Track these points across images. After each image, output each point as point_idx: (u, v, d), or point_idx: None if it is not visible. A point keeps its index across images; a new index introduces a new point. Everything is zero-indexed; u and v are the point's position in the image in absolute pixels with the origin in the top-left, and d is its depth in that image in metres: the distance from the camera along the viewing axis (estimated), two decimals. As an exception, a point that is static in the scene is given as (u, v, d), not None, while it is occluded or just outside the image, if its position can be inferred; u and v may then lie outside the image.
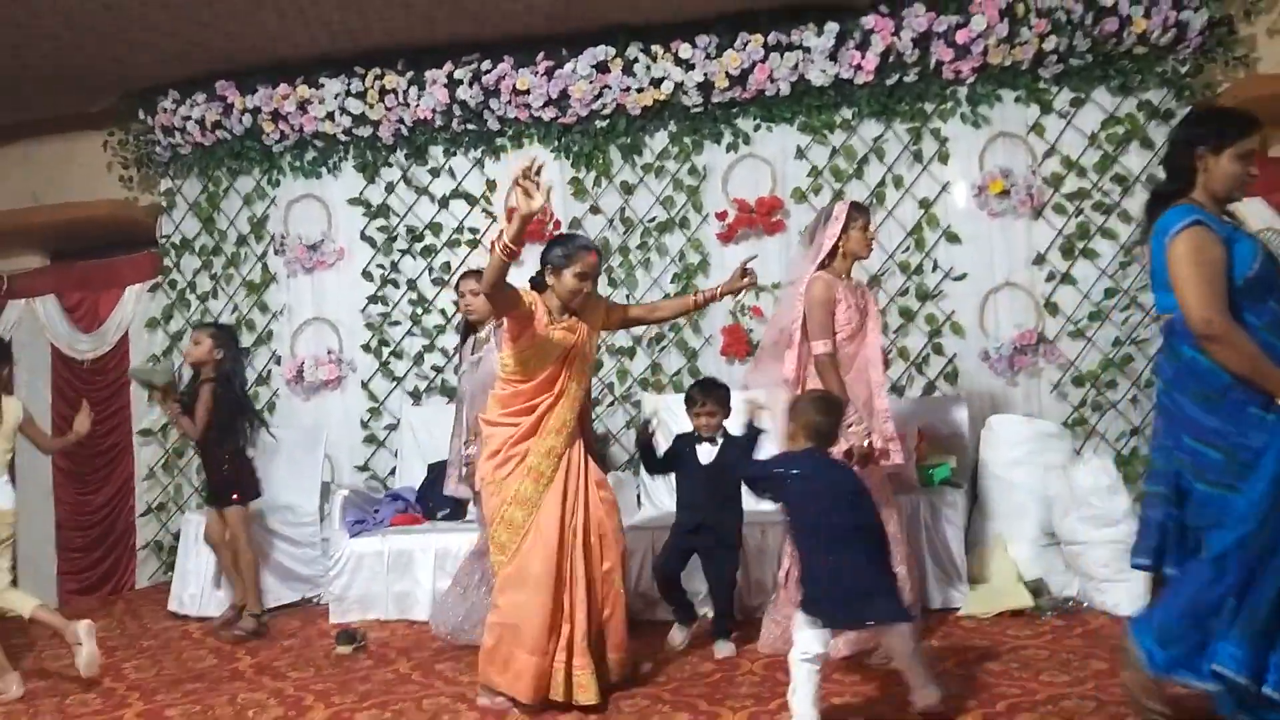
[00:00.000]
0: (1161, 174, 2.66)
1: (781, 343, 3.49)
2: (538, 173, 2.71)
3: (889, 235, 4.85)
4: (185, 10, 4.58)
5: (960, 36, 4.55)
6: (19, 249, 6.16)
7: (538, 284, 3.17)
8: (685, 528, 3.62)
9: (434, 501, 4.75)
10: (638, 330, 5.05)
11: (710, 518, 3.56)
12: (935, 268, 4.82)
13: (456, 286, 3.99)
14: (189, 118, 5.40)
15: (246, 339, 5.49)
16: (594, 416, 4.84)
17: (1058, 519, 3.97)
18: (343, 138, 5.34)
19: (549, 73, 4.98)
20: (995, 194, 4.68)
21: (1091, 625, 3.62)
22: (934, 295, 4.82)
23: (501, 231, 2.79)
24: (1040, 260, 4.72)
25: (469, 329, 3.97)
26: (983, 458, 4.35)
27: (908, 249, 4.84)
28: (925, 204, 4.82)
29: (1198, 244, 2.29)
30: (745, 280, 3.45)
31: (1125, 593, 3.73)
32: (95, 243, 5.99)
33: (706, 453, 3.59)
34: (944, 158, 4.81)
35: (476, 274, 3.94)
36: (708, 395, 3.61)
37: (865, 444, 3.22)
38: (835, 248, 3.40)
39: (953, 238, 4.80)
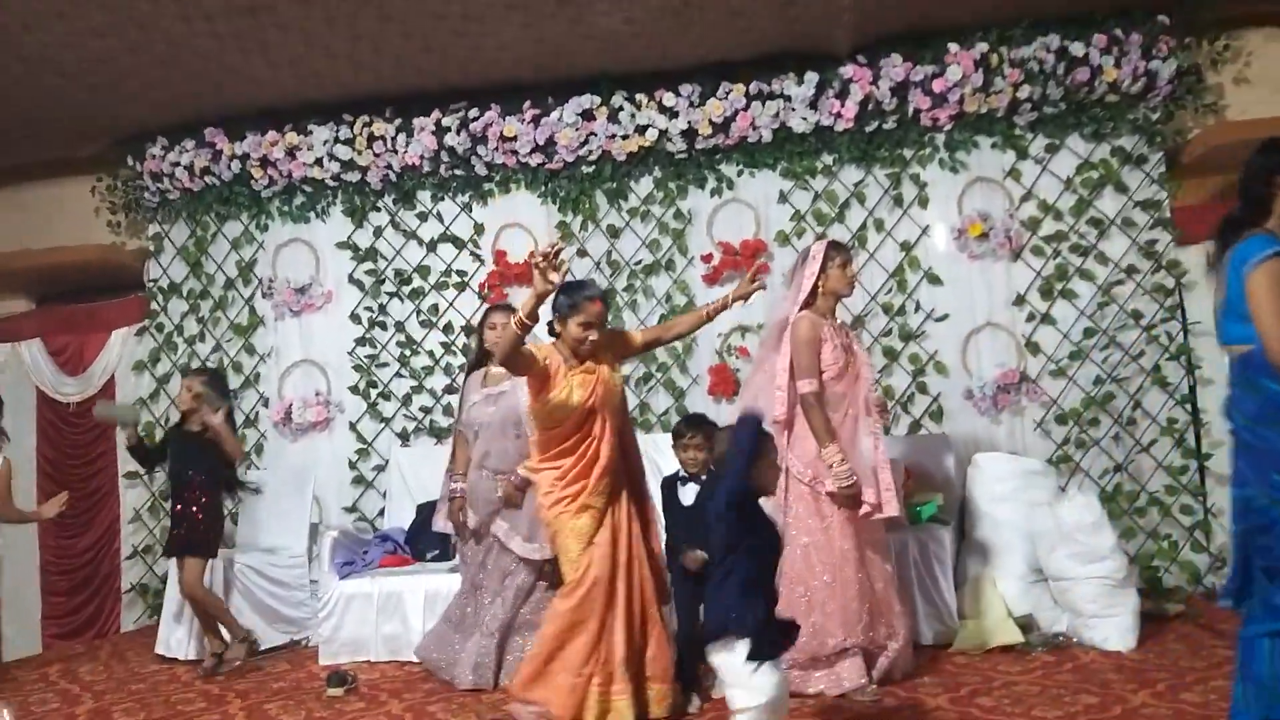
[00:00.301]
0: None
1: (764, 383, 3.48)
2: (557, 255, 2.81)
3: (871, 277, 4.95)
4: (176, 61, 4.66)
5: (937, 85, 4.69)
6: (5, 293, 6.15)
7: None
8: (677, 575, 3.49)
9: (423, 542, 4.74)
10: (625, 370, 5.08)
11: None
12: (917, 309, 4.92)
13: (484, 320, 3.95)
14: (178, 164, 5.46)
15: (234, 381, 5.49)
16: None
17: (1044, 555, 4.02)
18: (331, 183, 5.41)
19: (535, 120, 5.08)
20: (975, 236, 4.79)
21: (1081, 660, 3.65)
22: (917, 335, 4.91)
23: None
24: (1020, 301, 4.83)
25: (480, 360, 3.95)
26: (969, 495, 4.40)
27: (890, 290, 4.94)
28: (906, 247, 4.93)
29: (1279, 275, 2.24)
30: (755, 285, 3.40)
31: (1114, 628, 3.77)
32: (82, 286, 6.00)
33: (690, 493, 3.51)
34: (924, 202, 4.93)
35: (505, 308, 3.97)
36: (695, 429, 3.53)
37: (848, 484, 3.23)
38: (816, 288, 3.42)
39: (934, 279, 4.91)
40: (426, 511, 4.62)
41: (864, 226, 4.97)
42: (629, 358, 3.59)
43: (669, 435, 4.78)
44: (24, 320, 6.06)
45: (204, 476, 4.32)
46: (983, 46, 4.63)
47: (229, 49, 4.56)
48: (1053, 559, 3.97)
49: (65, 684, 4.34)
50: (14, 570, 5.84)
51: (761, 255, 5.02)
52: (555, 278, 2.79)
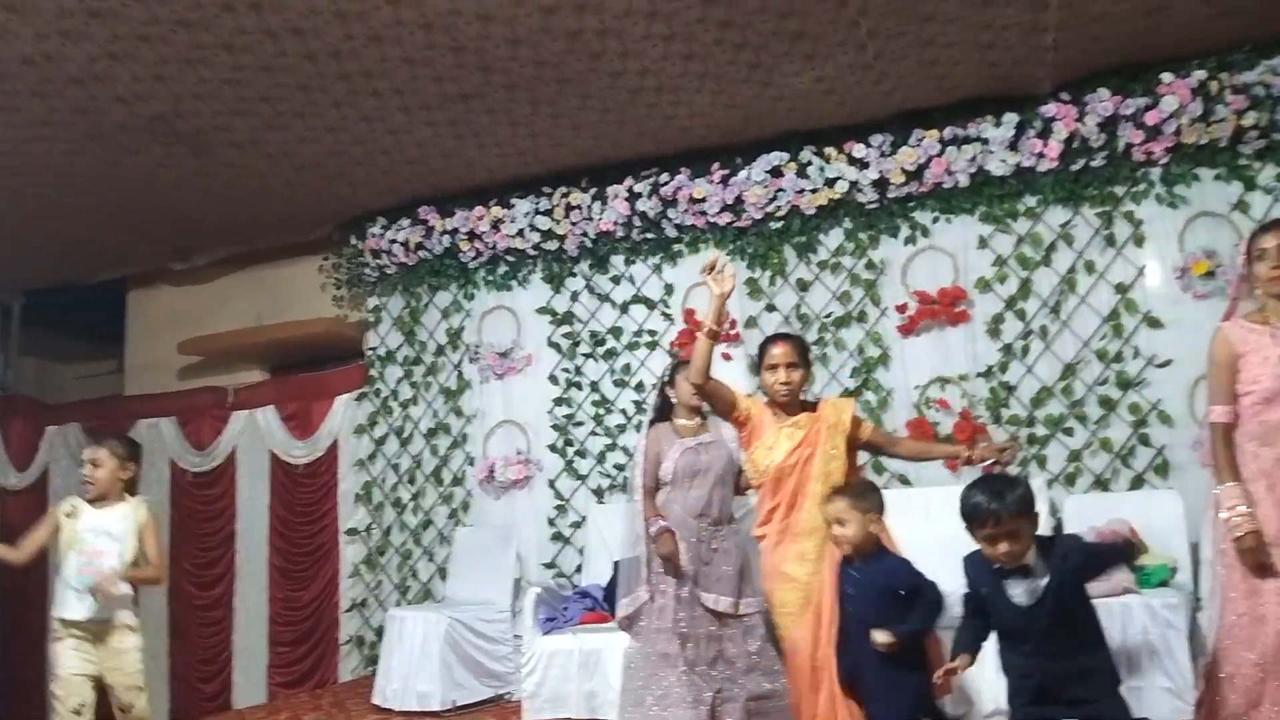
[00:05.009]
0: None
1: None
2: (715, 266, 2.99)
3: (1084, 323, 4.68)
4: (397, 149, 5.09)
5: (1150, 118, 4.43)
6: (243, 364, 6.82)
7: None
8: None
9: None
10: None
11: None
12: (1136, 354, 4.59)
13: (672, 373, 3.88)
14: (394, 241, 5.93)
15: (443, 443, 5.84)
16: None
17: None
18: (531, 252, 5.70)
19: (724, 180, 5.18)
20: (1199, 275, 4.46)
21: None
22: (1137, 383, 4.57)
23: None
24: (1257, 342, 4.43)
25: (664, 414, 3.87)
26: (1205, 557, 4.02)
27: (1105, 336, 4.64)
28: (1121, 289, 4.63)
29: None
30: (1005, 454, 3.06)
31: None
32: (310, 357, 6.57)
33: (1021, 590, 2.57)
34: (1139, 240, 4.64)
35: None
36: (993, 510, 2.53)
37: (1238, 535, 2.62)
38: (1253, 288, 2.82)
39: (1154, 323, 4.58)
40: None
41: (1073, 269, 4.73)
42: (858, 442, 3.25)
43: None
44: (260, 389, 6.66)
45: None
46: (1200, 74, 4.35)
47: (443, 135, 4.95)
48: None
49: (295, 730, 4.64)
50: (246, 622, 6.36)
51: (961, 303, 4.87)
52: (728, 284, 2.97)
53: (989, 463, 3.08)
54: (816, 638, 2.93)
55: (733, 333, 5.23)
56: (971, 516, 2.51)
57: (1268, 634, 2.58)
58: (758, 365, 3.23)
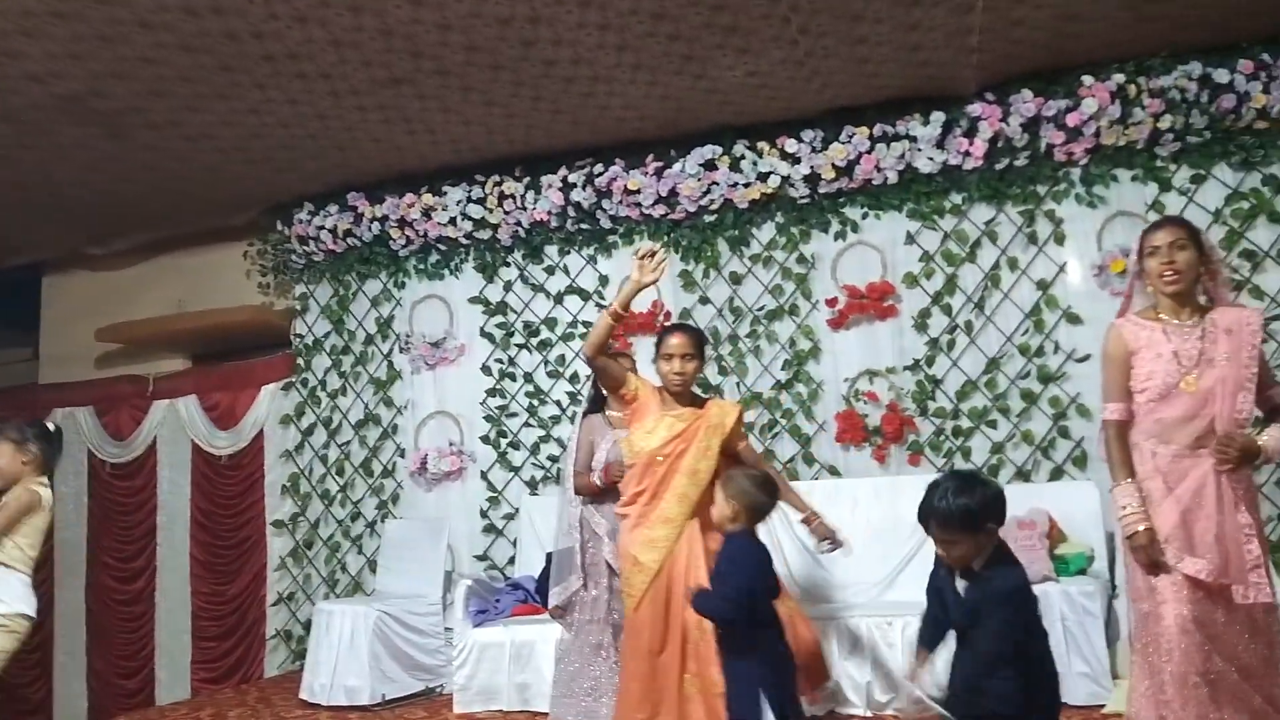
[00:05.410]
0: None
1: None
2: (653, 254, 3.09)
3: (1007, 318, 4.80)
4: (324, 133, 4.96)
5: (1071, 119, 4.56)
6: (164, 353, 6.62)
7: None
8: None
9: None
10: (749, 416, 5.05)
11: None
12: (1056, 349, 4.73)
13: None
14: (322, 227, 5.80)
15: (373, 434, 5.74)
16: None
17: (1208, 609, 3.74)
18: (464, 241, 5.63)
19: (658, 173, 5.18)
20: (1117, 273, 4.60)
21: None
22: (1057, 377, 4.71)
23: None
24: (1169, 338, 4.59)
25: (598, 405, 3.93)
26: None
27: (1026, 331, 4.77)
28: (1043, 285, 4.77)
29: None
30: (827, 543, 3.32)
31: None
32: (234, 345, 6.40)
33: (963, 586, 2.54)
34: (1060, 239, 4.77)
35: (627, 357, 3.92)
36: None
37: (1129, 534, 2.63)
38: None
39: (1073, 318, 4.72)
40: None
41: (997, 265, 4.84)
42: (731, 446, 3.29)
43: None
44: (181, 378, 6.48)
45: None
46: (1119, 78, 4.48)
47: (372, 120, 4.84)
48: (1217, 613, 3.69)
49: (219, 726, 4.54)
50: (168, 617, 6.20)
51: (889, 298, 4.95)
52: (651, 276, 3.05)
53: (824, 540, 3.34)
54: (663, 622, 3.02)
55: (667, 325, 5.22)
56: (919, 510, 2.42)
57: (1169, 630, 2.60)
58: (655, 353, 3.31)
